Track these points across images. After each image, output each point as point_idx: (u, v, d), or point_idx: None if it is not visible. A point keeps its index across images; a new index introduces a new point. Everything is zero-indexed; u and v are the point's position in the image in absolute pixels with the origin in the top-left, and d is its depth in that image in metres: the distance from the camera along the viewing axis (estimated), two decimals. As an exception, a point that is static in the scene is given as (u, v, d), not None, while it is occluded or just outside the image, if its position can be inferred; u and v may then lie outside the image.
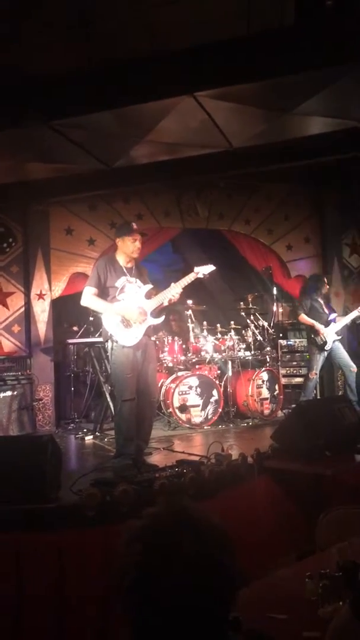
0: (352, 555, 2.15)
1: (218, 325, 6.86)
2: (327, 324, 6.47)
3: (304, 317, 6.52)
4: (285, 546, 3.93)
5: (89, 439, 5.84)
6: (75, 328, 6.87)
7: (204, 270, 4.59)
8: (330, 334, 6.42)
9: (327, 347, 6.43)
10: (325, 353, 6.49)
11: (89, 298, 4.32)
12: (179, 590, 1.04)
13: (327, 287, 6.78)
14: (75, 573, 3.12)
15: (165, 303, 4.44)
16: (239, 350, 6.66)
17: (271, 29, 3.60)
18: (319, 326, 6.40)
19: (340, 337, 6.54)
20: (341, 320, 6.58)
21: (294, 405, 5.56)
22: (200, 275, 4.58)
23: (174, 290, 4.41)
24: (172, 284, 4.47)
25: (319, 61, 3.66)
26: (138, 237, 4.37)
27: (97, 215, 7.06)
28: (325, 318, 6.51)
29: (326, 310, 6.62)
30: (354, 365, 6.46)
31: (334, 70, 3.76)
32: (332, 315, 6.57)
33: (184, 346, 6.59)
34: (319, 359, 6.52)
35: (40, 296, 6.75)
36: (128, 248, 4.36)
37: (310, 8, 3.44)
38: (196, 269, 4.60)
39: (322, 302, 6.65)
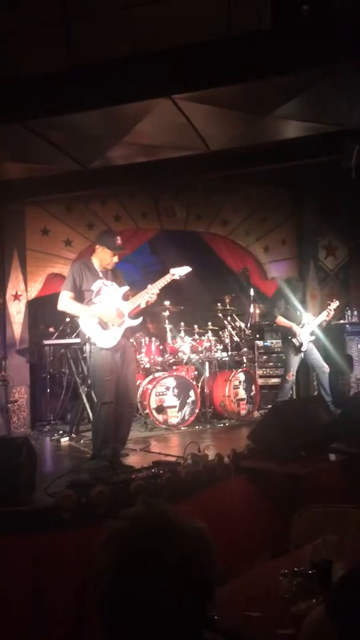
0: (325, 553, 2.18)
1: (195, 326, 6.88)
2: (302, 325, 6.52)
3: (280, 319, 6.55)
4: (261, 545, 3.96)
5: (64, 441, 5.79)
6: (51, 329, 6.82)
7: (179, 271, 4.61)
8: (305, 335, 6.48)
9: (304, 349, 6.49)
10: (302, 354, 6.55)
11: (65, 302, 4.30)
12: (155, 592, 1.04)
13: (300, 291, 6.80)
14: (50, 575, 3.10)
15: (143, 305, 4.45)
16: (216, 351, 6.68)
17: (249, 32, 3.62)
18: (296, 328, 6.46)
19: (313, 338, 6.60)
20: (314, 320, 6.65)
21: (270, 406, 5.60)
22: (177, 277, 4.60)
23: (151, 292, 4.42)
24: (149, 286, 4.47)
25: (296, 65, 3.71)
26: (117, 254, 4.39)
27: (74, 216, 7.01)
28: (300, 319, 6.57)
29: (298, 312, 6.68)
30: (327, 366, 6.53)
31: (311, 74, 3.81)
32: (306, 317, 6.64)
33: (161, 347, 6.59)
34: (296, 361, 6.57)
35: (16, 297, 6.68)
36: (105, 259, 4.38)
37: (287, 12, 3.48)
38: (172, 270, 4.61)
39: (295, 304, 6.71)
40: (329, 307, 6.70)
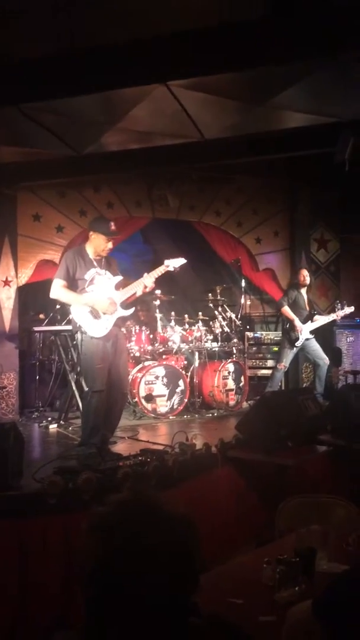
0: (309, 542, 2.21)
1: (186, 315, 6.88)
2: (305, 321, 6.57)
3: (286, 310, 6.61)
4: (247, 534, 4.00)
5: (53, 427, 5.80)
6: (41, 316, 6.78)
7: (174, 263, 4.59)
8: (305, 331, 6.53)
9: (298, 344, 6.54)
10: (295, 349, 6.60)
11: (58, 290, 4.28)
12: (139, 577, 1.05)
13: (304, 278, 6.78)
14: (36, 560, 3.11)
15: (139, 293, 4.44)
16: (206, 342, 6.69)
17: (245, 20, 3.59)
18: (298, 323, 6.50)
19: (312, 337, 6.64)
20: (318, 320, 6.68)
21: (258, 397, 5.64)
22: (171, 268, 4.59)
23: (146, 281, 4.40)
24: (145, 274, 4.46)
25: (292, 54, 3.68)
26: (112, 239, 4.36)
27: (67, 203, 6.96)
28: (305, 315, 6.61)
29: (307, 307, 6.72)
30: (327, 358, 6.59)
31: (307, 64, 3.78)
32: (314, 313, 6.68)
33: (151, 336, 6.59)
34: (289, 353, 6.63)
35: (6, 283, 6.64)
36: (99, 246, 4.34)
37: (285, 1, 3.45)
38: (167, 261, 4.60)
39: (305, 298, 6.74)
40: (339, 311, 6.73)
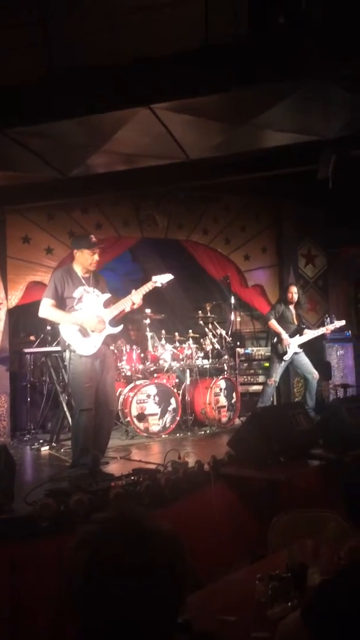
0: (301, 557, 2.20)
1: (176, 333, 6.90)
2: (293, 335, 6.60)
3: (273, 323, 6.63)
4: (241, 551, 3.96)
5: (44, 449, 5.76)
6: (32, 337, 6.79)
7: (161, 279, 4.63)
8: (294, 345, 6.56)
9: (286, 358, 6.55)
10: (284, 363, 6.62)
11: (46, 309, 4.30)
12: (125, 597, 1.05)
13: (293, 294, 6.81)
14: (28, 585, 3.08)
15: (127, 309, 4.45)
16: (197, 359, 6.70)
17: (226, 43, 3.68)
18: (285, 336, 6.52)
19: (301, 351, 6.66)
20: (307, 334, 6.71)
21: (250, 413, 5.64)
22: (158, 284, 4.62)
23: (134, 298, 4.43)
24: (133, 291, 4.49)
25: (273, 76, 3.77)
26: (97, 251, 4.39)
27: (55, 224, 7.01)
28: (293, 329, 6.64)
29: (295, 322, 6.75)
30: (316, 372, 6.61)
31: (287, 85, 3.87)
32: (302, 327, 6.71)
33: (142, 355, 6.60)
34: (278, 367, 6.65)
35: (-4, 305, 6.65)
36: (86, 261, 4.37)
37: (264, 24, 3.54)
38: (154, 278, 4.63)
39: (294, 312, 6.78)
40: (329, 325, 6.77)
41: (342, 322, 6.84)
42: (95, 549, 1.08)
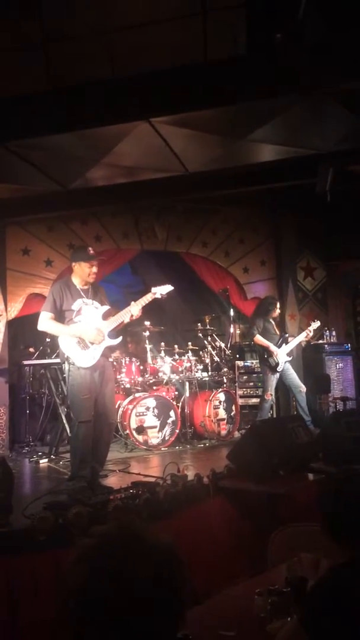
0: (300, 571, 2.19)
1: (175, 346, 6.90)
2: (279, 345, 6.58)
3: (259, 338, 6.59)
4: (240, 565, 3.94)
5: (43, 462, 5.74)
6: (31, 349, 6.78)
7: (161, 290, 4.63)
8: (282, 355, 6.53)
9: (280, 369, 6.53)
10: (278, 374, 6.60)
11: (45, 322, 4.31)
12: (124, 612, 1.04)
13: (278, 309, 6.86)
14: (27, 599, 3.05)
15: (126, 320, 4.46)
16: (196, 371, 6.70)
17: (225, 58, 3.73)
18: (273, 348, 6.50)
19: (291, 359, 6.65)
20: (292, 341, 6.70)
21: (249, 426, 5.62)
22: (158, 296, 4.62)
23: (133, 310, 4.43)
24: (132, 303, 4.49)
25: (271, 91, 3.81)
26: (95, 263, 4.40)
27: (55, 236, 7.04)
28: (277, 340, 6.63)
29: (277, 332, 6.74)
30: (303, 386, 6.58)
31: (285, 100, 3.92)
32: (285, 336, 6.70)
33: (141, 367, 6.59)
34: (272, 380, 6.61)
35: (-4, 317, 6.65)
36: (84, 273, 4.38)
37: (262, 40, 3.59)
38: (154, 289, 4.64)
39: (274, 323, 6.77)
40: (309, 327, 6.76)
41: (317, 324, 6.82)
42: (94, 564, 1.08)
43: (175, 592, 1.11)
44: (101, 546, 1.11)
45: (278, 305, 6.85)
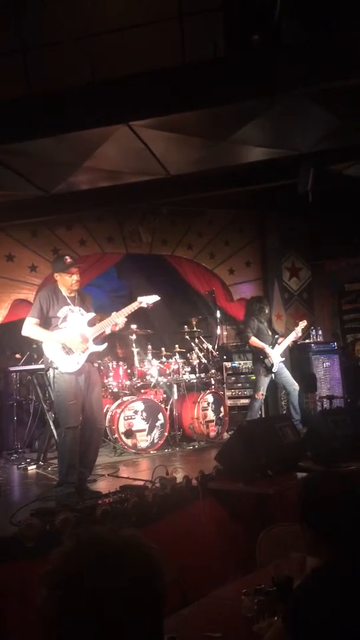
0: (287, 570, 2.19)
1: (163, 349, 6.89)
2: (272, 345, 6.60)
3: (254, 340, 6.59)
4: (231, 566, 3.93)
5: (32, 469, 5.70)
6: (18, 355, 6.75)
7: (147, 300, 4.62)
8: (276, 356, 6.55)
9: (275, 369, 6.54)
10: (272, 375, 6.61)
11: (29, 328, 4.30)
12: (108, 626, 1.03)
13: (267, 311, 6.89)
14: (14, 608, 3.02)
15: (108, 331, 4.45)
16: (184, 374, 6.69)
17: (204, 60, 3.75)
18: (268, 349, 6.52)
19: (284, 359, 6.68)
20: (283, 341, 6.72)
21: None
22: (144, 305, 4.61)
23: (117, 320, 4.42)
24: (114, 313, 4.48)
25: (249, 92, 3.83)
26: (75, 271, 4.39)
27: (39, 242, 7.01)
28: (270, 340, 6.64)
29: (269, 332, 6.76)
30: (296, 384, 6.60)
31: (264, 101, 3.94)
32: (276, 337, 6.71)
33: (128, 371, 6.57)
34: (266, 381, 6.62)
35: (-19, 324, 6.61)
36: (67, 282, 4.39)
37: (240, 42, 3.60)
38: (140, 298, 4.63)
39: (266, 324, 6.79)
40: (296, 327, 6.78)
41: (304, 323, 6.84)
42: (61, 589, 1.03)
43: (155, 591, 1.10)
44: (63, 568, 1.08)
45: (267, 307, 6.86)
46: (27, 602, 3.04)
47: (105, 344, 4.56)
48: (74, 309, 4.40)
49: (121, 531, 1.11)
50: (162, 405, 6.33)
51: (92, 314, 4.49)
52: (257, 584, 2.11)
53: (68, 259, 4.43)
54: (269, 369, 6.52)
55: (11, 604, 3.01)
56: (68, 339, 4.24)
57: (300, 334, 6.84)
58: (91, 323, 4.44)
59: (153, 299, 4.64)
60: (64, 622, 1.03)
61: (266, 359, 6.53)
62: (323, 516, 1.71)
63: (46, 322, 4.32)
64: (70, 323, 4.34)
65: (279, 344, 6.62)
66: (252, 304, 6.96)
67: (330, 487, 1.81)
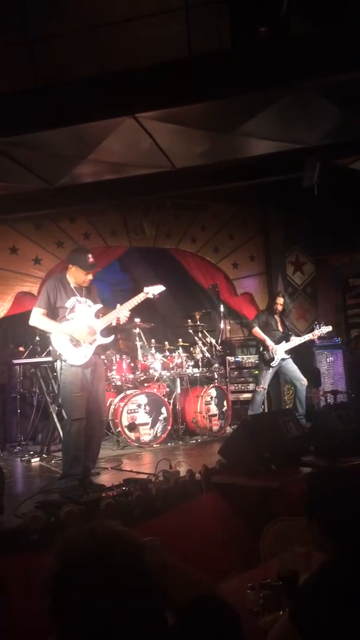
0: (292, 564, 2.19)
1: (166, 342, 6.88)
2: (278, 341, 6.60)
3: (257, 331, 6.66)
4: (234, 561, 3.94)
5: (35, 461, 5.71)
6: (21, 348, 6.75)
7: (153, 290, 4.61)
8: (280, 351, 6.56)
9: (274, 364, 6.56)
10: (272, 369, 6.62)
11: (37, 318, 4.27)
12: (96, 614, 1.04)
13: (280, 304, 6.85)
14: (18, 600, 3.03)
15: (113, 323, 4.44)
16: (187, 368, 6.69)
17: (210, 53, 3.72)
18: (269, 342, 6.54)
19: (289, 357, 6.66)
20: (294, 340, 6.71)
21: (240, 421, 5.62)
22: (150, 296, 4.60)
23: (122, 311, 4.41)
24: (118, 305, 4.46)
25: (255, 85, 3.80)
26: (91, 272, 4.37)
27: (43, 234, 7.00)
28: (278, 336, 6.65)
29: (280, 329, 6.76)
30: (305, 379, 6.61)
31: (270, 94, 3.91)
32: (286, 335, 6.71)
33: (132, 364, 6.57)
34: (266, 374, 6.65)
35: (-15, 316, 6.62)
36: (79, 278, 4.35)
37: (246, 34, 3.57)
38: (146, 289, 4.61)
39: (278, 319, 6.79)
40: (316, 330, 6.76)
41: (329, 328, 6.85)
42: (64, 589, 1.08)
43: (153, 584, 1.10)
44: (63, 570, 1.09)
45: (280, 300, 6.82)
46: (31, 593, 3.05)
47: (113, 336, 4.54)
48: (81, 300, 4.37)
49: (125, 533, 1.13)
50: (165, 399, 6.33)
51: (99, 305, 4.46)
52: (262, 578, 2.11)
53: (91, 259, 4.34)
54: (267, 362, 6.56)
55: (16, 596, 3.02)
56: (76, 331, 4.22)
57: (318, 335, 6.83)
58: (98, 314, 4.42)
59: (159, 289, 4.63)
60: (65, 620, 1.04)
61: (265, 351, 6.55)
62: (330, 511, 1.71)
63: (53, 312, 4.29)
64: (78, 314, 4.32)
65: (287, 342, 6.62)
66: (271, 299, 7.00)
67: (337, 482, 1.80)
